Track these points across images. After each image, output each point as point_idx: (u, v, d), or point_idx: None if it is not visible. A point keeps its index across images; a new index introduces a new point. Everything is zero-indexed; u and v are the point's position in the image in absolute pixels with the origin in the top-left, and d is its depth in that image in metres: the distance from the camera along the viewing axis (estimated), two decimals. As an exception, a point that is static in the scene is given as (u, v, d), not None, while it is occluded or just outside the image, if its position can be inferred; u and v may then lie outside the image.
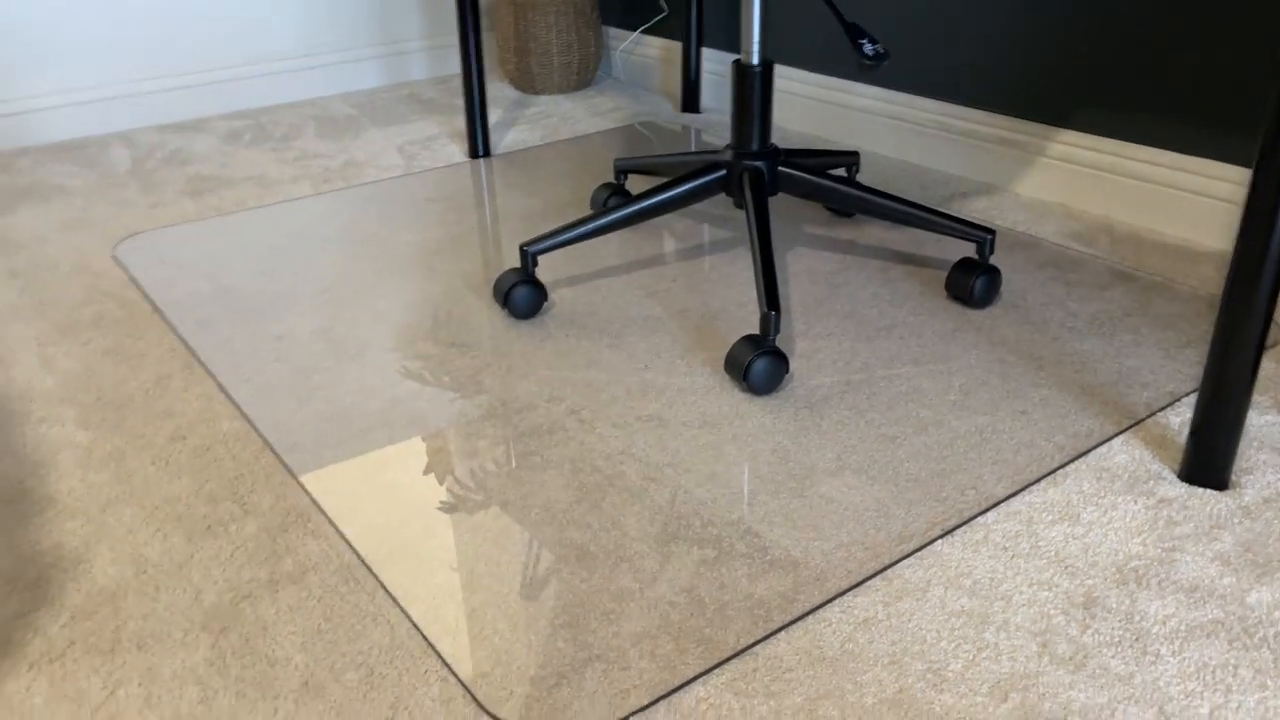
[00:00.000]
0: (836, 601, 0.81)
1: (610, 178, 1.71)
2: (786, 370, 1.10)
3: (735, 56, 1.49)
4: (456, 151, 1.85)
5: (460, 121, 2.02)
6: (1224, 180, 1.35)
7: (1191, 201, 1.39)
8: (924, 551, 0.86)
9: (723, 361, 1.14)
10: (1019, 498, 0.92)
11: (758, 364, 1.07)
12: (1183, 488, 0.93)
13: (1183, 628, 0.78)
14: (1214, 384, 0.88)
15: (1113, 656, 0.75)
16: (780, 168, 1.29)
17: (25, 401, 1.11)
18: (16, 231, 1.54)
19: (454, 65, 2.40)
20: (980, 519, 0.90)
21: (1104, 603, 0.80)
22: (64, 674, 0.76)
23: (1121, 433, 1.00)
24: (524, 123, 2.01)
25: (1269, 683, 0.73)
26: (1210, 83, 1.34)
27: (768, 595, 0.81)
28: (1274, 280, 0.83)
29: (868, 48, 1.11)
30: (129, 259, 1.44)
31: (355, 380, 1.13)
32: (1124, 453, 0.98)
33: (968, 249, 1.39)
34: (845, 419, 1.04)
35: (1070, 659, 0.75)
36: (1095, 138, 1.48)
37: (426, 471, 0.98)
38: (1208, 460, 0.92)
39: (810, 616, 0.80)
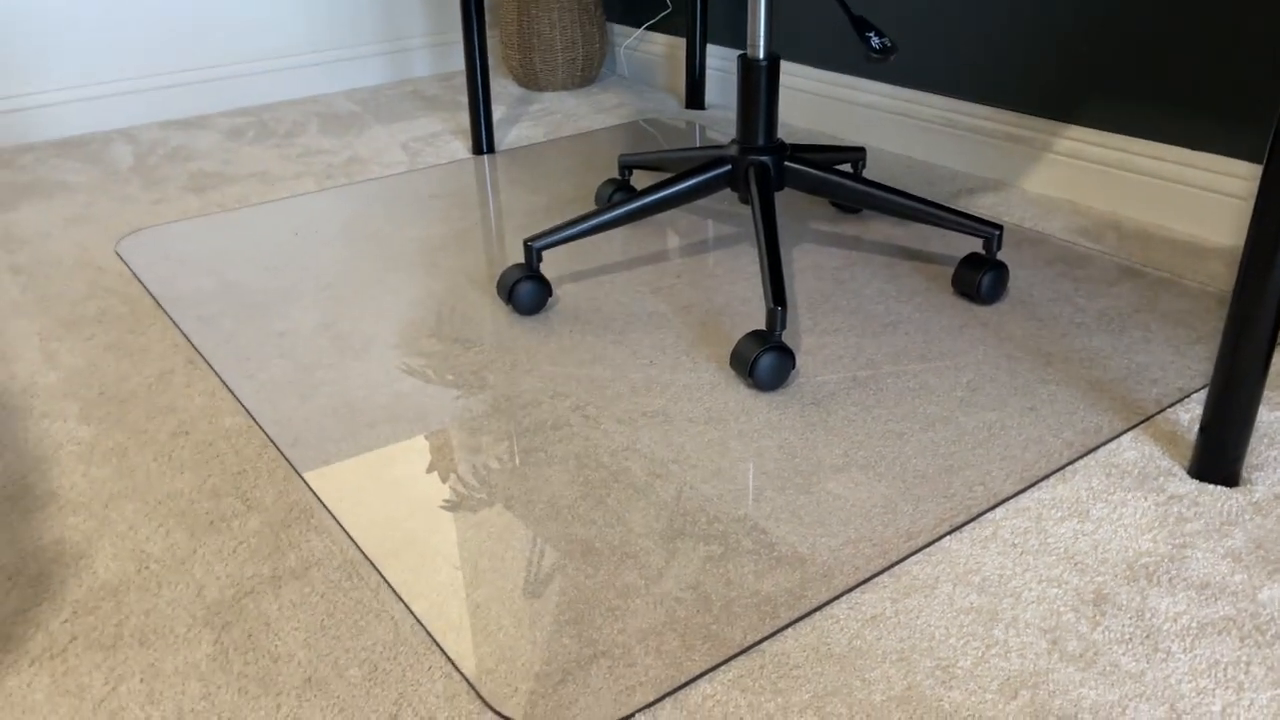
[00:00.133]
0: (844, 598, 0.80)
1: (615, 174, 1.70)
2: (792, 366, 1.09)
3: (739, 52, 1.49)
4: (460, 148, 1.84)
5: (464, 118, 2.01)
6: (1232, 176, 1.34)
7: (1199, 197, 1.38)
8: (932, 548, 0.85)
9: (728, 357, 1.14)
10: (1028, 494, 0.91)
11: (763, 360, 1.06)
12: (1193, 484, 0.92)
13: (1194, 625, 0.77)
14: (1224, 379, 0.88)
15: (1123, 654, 0.75)
16: (786, 163, 1.29)
17: (28, 397, 1.10)
18: (19, 227, 1.54)
19: (458, 62, 2.40)
20: (989, 515, 0.89)
21: (1114, 600, 0.79)
22: (65, 670, 0.76)
23: (1131, 429, 1.00)
24: (528, 119, 2.01)
25: (1282, 680, 0.72)
26: (1218, 78, 1.33)
27: (774, 592, 0.81)
28: (1286, 274, 0.82)
29: (874, 41, 1.11)
30: (132, 255, 1.43)
31: (358, 376, 1.12)
32: (1133, 449, 0.97)
33: (974, 245, 1.38)
34: (852, 415, 1.03)
35: (1080, 656, 0.75)
36: (1102, 133, 1.47)
37: (430, 468, 0.97)
38: (1218, 456, 0.91)
39: (817, 613, 0.79)
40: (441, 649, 0.76)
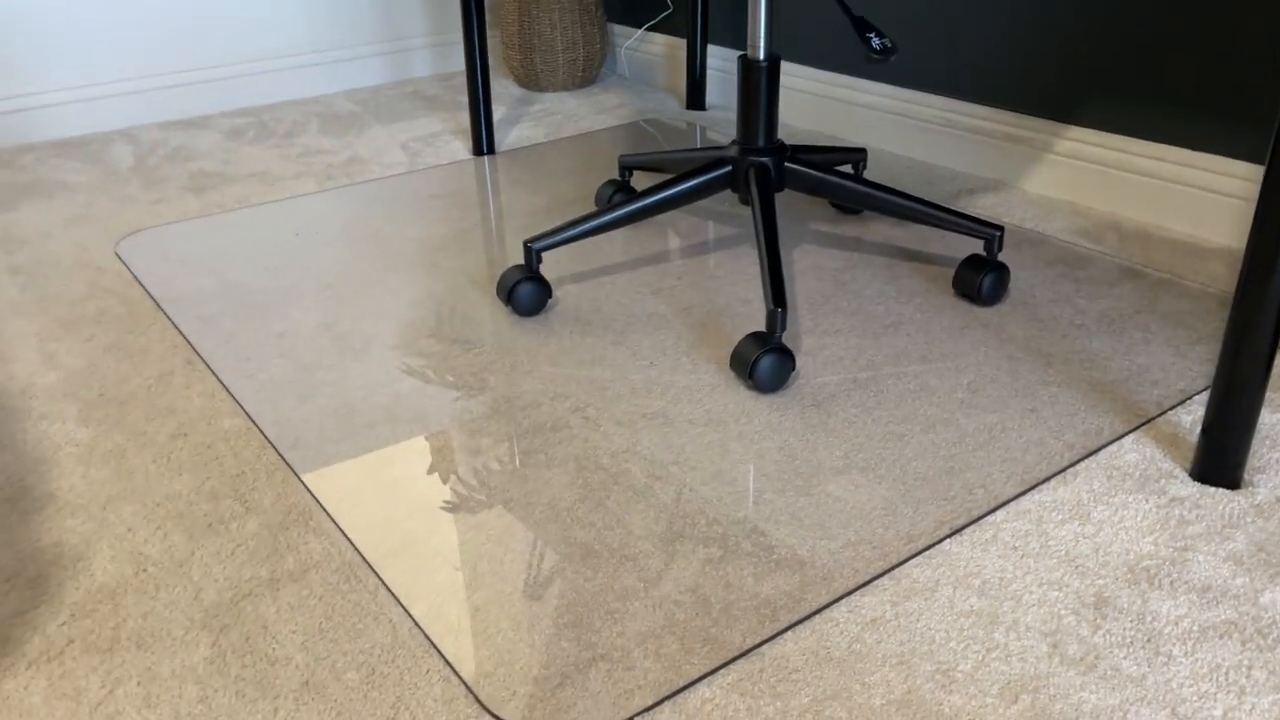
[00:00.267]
0: (843, 601, 0.80)
1: (615, 174, 1.70)
2: (793, 368, 1.09)
3: (740, 53, 1.49)
4: (460, 148, 1.84)
5: (464, 118, 2.01)
6: (1232, 176, 1.34)
7: (1200, 198, 1.38)
8: (932, 551, 0.85)
9: (728, 359, 1.13)
10: (1028, 496, 0.91)
11: (763, 361, 1.06)
12: (1194, 487, 0.92)
13: (1195, 628, 0.77)
14: (1226, 381, 0.87)
15: (1124, 657, 0.74)
16: (786, 164, 1.28)
17: (26, 398, 1.10)
18: (19, 228, 1.54)
19: (458, 62, 2.39)
20: (989, 518, 0.89)
21: (1115, 603, 0.79)
22: (63, 672, 0.75)
23: (1132, 431, 0.99)
24: (528, 120, 2.00)
25: (1283, 684, 0.72)
26: (1218, 78, 1.33)
27: (774, 595, 0.80)
28: (1288, 276, 0.82)
29: (875, 41, 1.10)
30: (131, 255, 1.43)
31: (358, 377, 1.12)
32: (1135, 451, 0.97)
33: (975, 246, 1.37)
34: (852, 417, 1.03)
35: (1081, 660, 0.74)
36: (1103, 134, 1.47)
37: (429, 469, 0.97)
38: (1220, 459, 0.91)
39: (817, 616, 0.79)
40: (440, 652, 0.76)
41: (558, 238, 1.24)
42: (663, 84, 2.20)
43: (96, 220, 1.56)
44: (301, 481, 0.95)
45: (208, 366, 1.15)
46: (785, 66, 1.90)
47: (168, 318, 1.26)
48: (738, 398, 1.06)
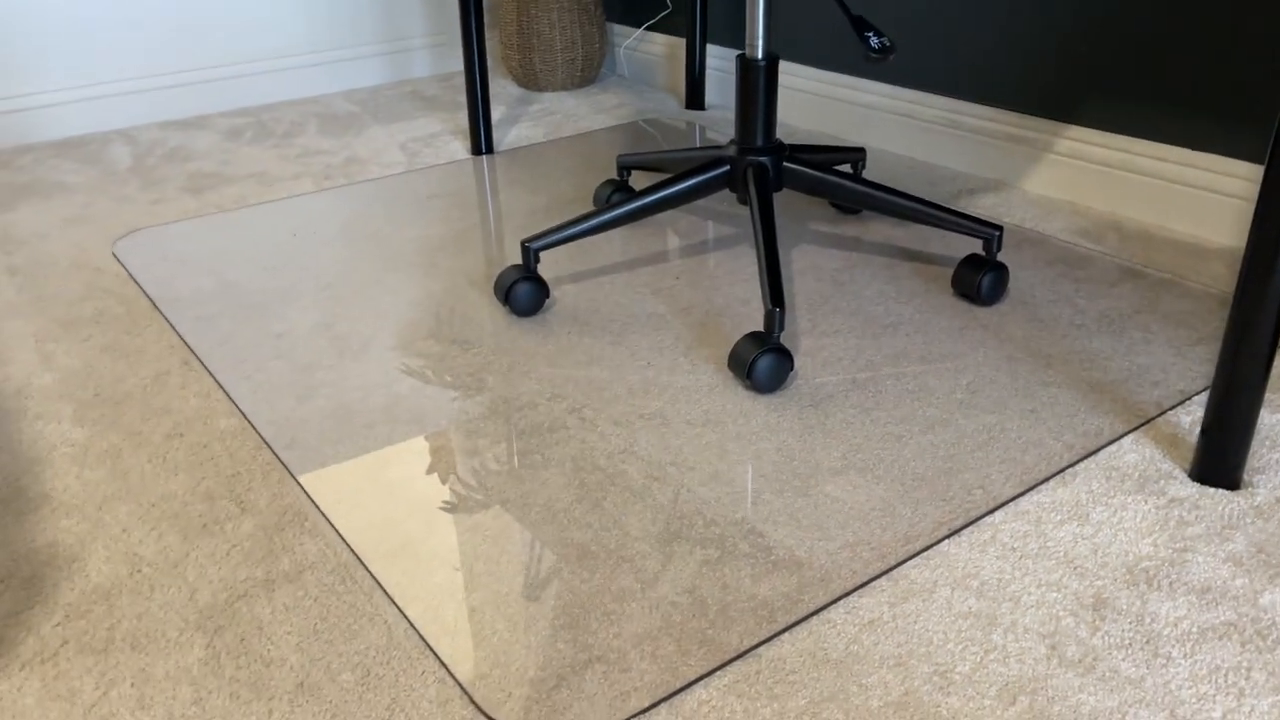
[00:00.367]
0: (841, 602, 0.80)
1: (613, 175, 1.69)
2: (791, 368, 1.08)
3: (740, 52, 1.48)
4: (459, 148, 1.83)
5: (463, 118, 2.01)
6: (1233, 176, 1.33)
7: (1200, 198, 1.37)
8: (930, 552, 0.85)
9: (726, 359, 1.13)
10: (1027, 497, 0.91)
11: (762, 361, 1.05)
12: (1194, 487, 0.91)
13: (1194, 630, 0.76)
14: (1226, 382, 0.87)
15: (1123, 659, 0.74)
16: (785, 163, 1.28)
17: (22, 398, 1.10)
18: (17, 228, 1.54)
19: (457, 62, 2.39)
20: (988, 519, 0.88)
21: (1114, 604, 0.79)
22: (56, 674, 0.75)
23: (1131, 431, 0.99)
24: (527, 119, 2.00)
25: (1283, 686, 0.72)
26: (1218, 78, 1.32)
27: (771, 596, 0.80)
28: (1288, 276, 0.81)
29: (874, 41, 1.10)
30: (129, 256, 1.43)
31: (356, 377, 1.12)
32: (1134, 452, 0.96)
33: (975, 245, 1.37)
34: (850, 417, 1.02)
35: (1080, 661, 0.74)
36: (1103, 134, 1.46)
37: (426, 470, 0.96)
38: (1219, 459, 0.90)
39: (814, 618, 0.78)
40: (435, 654, 0.76)
41: (555, 237, 1.23)
42: (662, 83, 2.20)
43: (94, 220, 1.56)
44: (297, 482, 0.95)
45: (204, 367, 1.15)
46: (785, 66, 1.90)
47: (165, 318, 1.26)
48: (736, 398, 1.06)
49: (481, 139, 1.80)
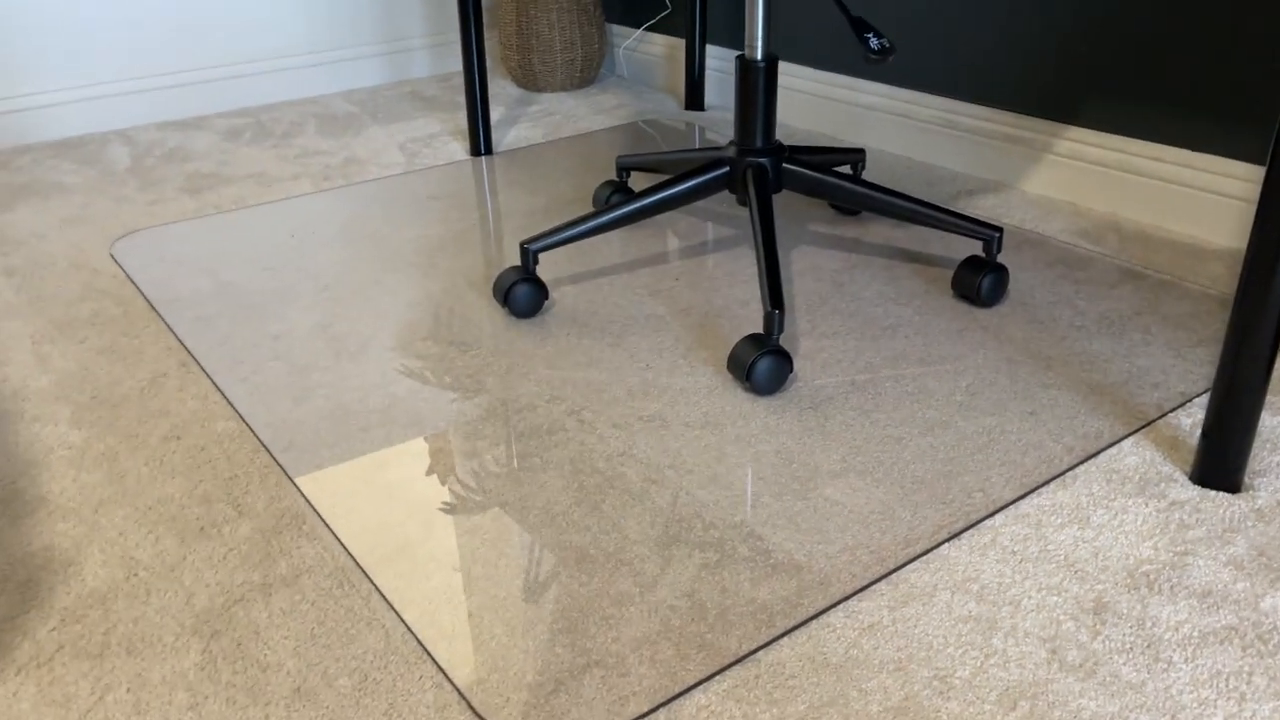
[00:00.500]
0: (841, 606, 0.79)
1: (612, 175, 1.69)
2: (790, 370, 1.08)
3: (739, 53, 1.48)
4: (458, 149, 1.83)
5: (462, 119, 2.00)
6: (1233, 177, 1.33)
7: (1200, 199, 1.37)
8: (930, 555, 0.84)
9: (725, 361, 1.13)
10: (1027, 500, 0.90)
11: (761, 364, 1.05)
12: (1195, 490, 0.91)
13: (1195, 634, 0.76)
14: (1227, 384, 0.87)
15: (1124, 664, 0.74)
16: (784, 165, 1.28)
17: (19, 400, 1.09)
18: (14, 229, 1.53)
19: (456, 62, 2.39)
20: (988, 522, 0.88)
21: (1114, 608, 0.78)
22: (52, 678, 0.75)
23: (1132, 434, 0.99)
24: (526, 120, 2.00)
25: (1284, 691, 0.71)
26: (1218, 78, 1.32)
27: (770, 600, 0.80)
28: (1289, 278, 0.81)
29: (873, 42, 1.10)
30: (127, 257, 1.43)
31: (354, 379, 1.11)
32: (1134, 454, 0.96)
33: (974, 247, 1.37)
34: (850, 420, 1.02)
35: (1080, 666, 0.73)
36: (1103, 134, 1.46)
37: (424, 473, 0.96)
38: (1220, 462, 0.90)
39: (814, 622, 0.78)
40: (433, 658, 0.75)
41: (554, 239, 1.23)
42: (661, 84, 2.20)
43: (92, 221, 1.55)
44: (295, 485, 0.95)
45: (202, 369, 1.14)
46: (784, 67, 1.90)
47: (162, 319, 1.25)
48: (735, 400, 1.06)
49: (481, 139, 1.79)
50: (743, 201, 1.28)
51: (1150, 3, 1.36)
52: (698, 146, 1.81)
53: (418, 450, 0.99)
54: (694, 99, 2.02)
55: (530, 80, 2.18)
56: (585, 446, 0.99)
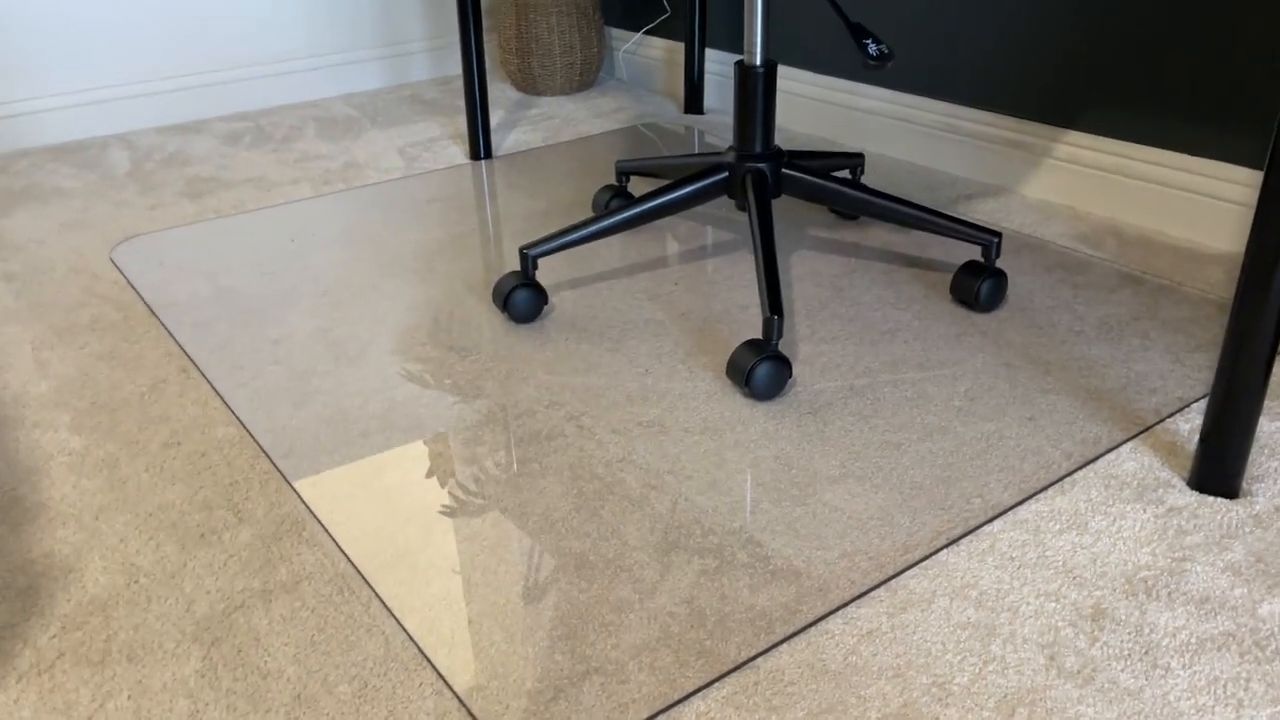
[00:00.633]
0: (839, 613, 0.80)
1: (612, 179, 1.69)
2: (789, 375, 1.08)
3: (738, 57, 1.48)
4: (458, 153, 1.83)
5: (461, 123, 2.01)
6: (1232, 182, 1.33)
7: (1199, 203, 1.37)
8: (929, 561, 0.85)
9: (725, 366, 1.13)
10: (1026, 506, 0.91)
11: (760, 369, 1.05)
12: (1193, 496, 0.91)
13: (1193, 640, 0.76)
14: (1225, 389, 0.87)
15: (1122, 670, 0.74)
16: (784, 169, 1.28)
17: (18, 406, 1.10)
18: (14, 234, 1.53)
19: (455, 66, 2.39)
20: (986, 528, 0.88)
21: (1113, 614, 0.79)
22: (53, 686, 0.75)
23: (1130, 439, 0.99)
24: (526, 124, 2.00)
25: (1282, 698, 0.71)
26: (1217, 82, 1.32)
27: (769, 606, 0.80)
28: (1287, 285, 0.81)
29: (872, 48, 1.10)
30: (126, 261, 1.43)
31: (353, 384, 1.11)
32: (1133, 460, 0.96)
33: (973, 252, 1.37)
34: (849, 425, 1.02)
35: (1079, 672, 0.74)
36: (1102, 139, 1.46)
37: (423, 478, 0.96)
38: (1218, 468, 0.90)
39: (813, 628, 0.78)
40: (433, 665, 0.76)
41: (553, 244, 1.23)
42: (661, 88, 2.20)
43: (92, 226, 1.55)
44: (295, 491, 0.95)
45: (202, 374, 1.14)
46: (784, 71, 1.90)
47: (162, 324, 1.25)
48: (734, 406, 1.06)
49: (480, 143, 1.79)
50: (742, 206, 1.28)
51: (1149, 7, 1.36)
52: (697, 151, 1.81)
53: (417, 455, 0.99)
54: (693, 102, 2.02)
55: (530, 84, 2.18)
56: (584, 452, 0.99)
